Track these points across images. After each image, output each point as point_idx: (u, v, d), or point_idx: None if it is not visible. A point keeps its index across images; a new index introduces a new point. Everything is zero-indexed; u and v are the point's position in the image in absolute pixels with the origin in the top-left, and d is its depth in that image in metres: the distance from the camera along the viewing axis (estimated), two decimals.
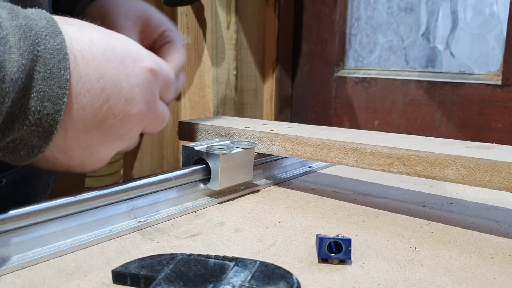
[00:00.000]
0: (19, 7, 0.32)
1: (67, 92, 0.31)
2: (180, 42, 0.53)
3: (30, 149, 0.32)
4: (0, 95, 0.28)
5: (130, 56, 0.36)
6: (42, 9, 0.33)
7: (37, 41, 0.30)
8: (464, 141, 0.45)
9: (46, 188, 0.52)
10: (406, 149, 0.41)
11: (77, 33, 0.34)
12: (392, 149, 0.42)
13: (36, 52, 0.30)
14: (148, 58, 0.38)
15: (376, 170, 0.43)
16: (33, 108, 0.30)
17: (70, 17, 0.36)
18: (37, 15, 0.32)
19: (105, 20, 0.49)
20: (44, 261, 0.32)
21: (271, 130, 0.50)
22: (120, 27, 0.48)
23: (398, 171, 0.42)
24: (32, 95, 0.30)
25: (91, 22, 0.37)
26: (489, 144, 0.43)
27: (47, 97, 0.31)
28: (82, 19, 0.45)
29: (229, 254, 0.34)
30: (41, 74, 0.30)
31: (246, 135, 0.51)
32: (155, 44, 0.52)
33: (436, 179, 0.40)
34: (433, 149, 0.40)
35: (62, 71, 0.31)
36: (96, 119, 0.34)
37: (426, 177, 0.40)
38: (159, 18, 0.53)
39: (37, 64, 0.30)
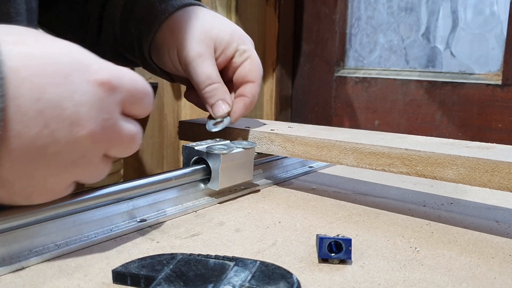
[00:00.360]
0: None
1: None
2: (255, 55, 0.53)
3: None
4: None
5: (77, 69, 0.31)
6: (17, 7, 0.31)
7: None
8: (464, 141, 0.45)
9: None
10: (406, 149, 0.41)
11: (11, 47, 0.29)
12: (392, 149, 0.42)
13: None
14: (102, 70, 0.32)
15: (376, 170, 0.43)
16: None
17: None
18: None
19: (178, 47, 0.49)
20: (45, 261, 0.32)
21: (271, 130, 0.50)
22: (196, 57, 0.49)
23: (398, 171, 0.42)
24: None
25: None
26: (489, 144, 0.43)
27: None
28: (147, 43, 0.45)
29: (229, 254, 0.34)
30: None
31: (248, 135, 0.51)
32: (233, 62, 0.52)
33: (437, 179, 0.40)
34: (433, 149, 0.40)
35: None
36: (35, 146, 0.29)
37: (426, 177, 0.40)
38: (228, 31, 0.52)
39: None
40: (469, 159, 0.38)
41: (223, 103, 0.50)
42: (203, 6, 0.54)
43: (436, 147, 0.41)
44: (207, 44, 0.50)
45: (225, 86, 0.51)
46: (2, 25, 0.31)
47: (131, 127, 0.34)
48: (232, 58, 0.52)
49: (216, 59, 0.51)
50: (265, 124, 0.55)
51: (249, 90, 0.52)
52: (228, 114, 0.51)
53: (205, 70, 0.50)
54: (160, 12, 0.51)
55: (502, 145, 0.43)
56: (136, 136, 0.35)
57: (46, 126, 0.29)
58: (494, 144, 0.43)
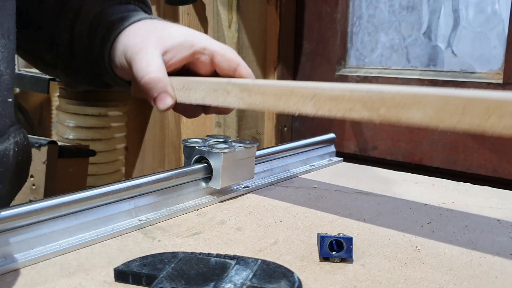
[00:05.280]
0: None
1: None
2: (220, 46, 0.51)
3: None
4: None
5: None
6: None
7: None
8: (435, 88, 0.40)
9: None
10: (367, 91, 0.37)
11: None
12: (353, 91, 0.37)
13: None
14: None
15: (336, 116, 0.38)
16: None
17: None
18: None
19: (125, 49, 0.49)
20: (46, 260, 0.33)
21: (228, 80, 0.45)
22: (138, 50, 0.47)
23: (360, 115, 0.37)
24: None
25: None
26: (463, 89, 0.38)
27: None
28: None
29: (231, 252, 0.34)
30: None
31: (202, 87, 0.46)
32: (200, 62, 0.51)
33: (402, 123, 0.35)
34: (397, 89, 0.36)
35: None
36: None
37: (390, 121, 0.36)
38: (180, 33, 0.50)
39: None
40: (437, 97, 0.33)
41: (166, 96, 0.47)
42: (159, 19, 0.53)
43: (401, 88, 0.37)
44: (152, 41, 0.48)
45: (168, 78, 0.47)
46: None
47: None
48: (194, 57, 0.50)
49: (169, 60, 0.49)
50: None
51: (243, 73, 0.51)
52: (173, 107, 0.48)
53: (145, 60, 0.47)
54: (117, 27, 0.51)
55: (478, 89, 0.38)
56: None
57: None
58: (469, 89, 0.38)
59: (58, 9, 0.55)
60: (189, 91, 0.47)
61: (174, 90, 0.47)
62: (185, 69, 0.52)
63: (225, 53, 0.51)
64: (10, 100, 0.45)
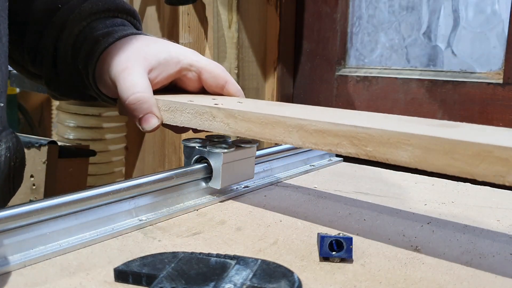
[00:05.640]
0: None
1: None
2: (207, 62, 0.50)
3: None
4: None
5: None
6: None
7: None
8: (427, 119, 0.39)
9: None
10: (355, 126, 0.35)
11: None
12: (339, 125, 0.36)
13: None
14: None
15: (323, 150, 0.38)
16: None
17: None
18: None
19: (109, 68, 0.47)
20: (47, 259, 0.33)
21: (215, 104, 0.44)
22: (122, 70, 0.46)
23: (346, 151, 0.36)
24: None
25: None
26: (455, 122, 0.37)
27: None
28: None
29: (231, 252, 0.34)
30: None
31: (188, 110, 0.45)
32: (187, 79, 0.50)
33: (389, 162, 0.34)
34: (385, 126, 0.35)
35: None
36: None
37: (377, 159, 0.35)
38: (166, 50, 0.49)
39: None
40: (425, 138, 0.32)
41: (152, 117, 0.46)
42: (145, 35, 0.52)
43: (390, 125, 0.35)
44: (137, 60, 0.47)
45: (153, 99, 0.46)
46: None
47: None
48: (180, 74, 0.49)
49: (155, 78, 0.48)
50: (214, 99, 0.48)
51: (231, 91, 0.50)
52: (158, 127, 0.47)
53: (130, 80, 0.46)
54: (102, 44, 0.49)
55: (471, 124, 0.37)
56: None
57: None
58: (461, 123, 0.37)
59: (46, 19, 0.53)
60: (175, 113, 0.46)
61: (159, 111, 0.46)
62: (172, 85, 0.51)
63: (213, 70, 0.50)
64: (1, 105, 0.45)
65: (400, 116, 0.41)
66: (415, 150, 0.32)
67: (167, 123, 0.47)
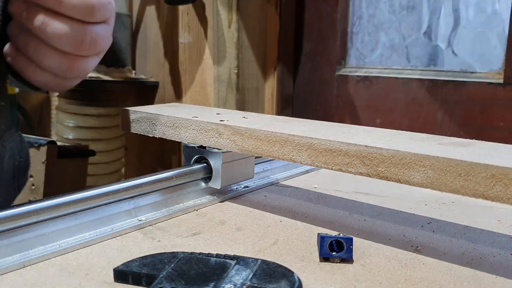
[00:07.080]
0: None
1: None
2: None
3: None
4: None
5: None
6: None
7: None
8: (440, 136, 0.39)
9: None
10: (366, 145, 0.35)
11: None
12: (350, 145, 0.36)
13: None
14: None
15: (333, 169, 0.37)
16: None
17: None
18: None
19: None
20: (46, 260, 0.32)
21: (220, 120, 0.44)
22: None
23: (357, 171, 0.36)
24: None
25: None
26: (468, 140, 0.37)
27: None
28: None
29: (231, 252, 0.34)
30: None
31: (193, 126, 0.45)
32: None
33: (401, 183, 0.34)
34: (398, 146, 0.35)
35: None
36: None
37: (389, 180, 0.35)
38: None
39: None
40: (439, 159, 0.32)
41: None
42: None
43: (402, 145, 0.35)
44: None
45: None
46: None
47: None
48: None
49: None
50: (218, 114, 0.48)
51: None
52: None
53: None
54: None
55: (483, 142, 0.37)
56: None
57: None
58: (474, 140, 0.37)
59: None
60: (180, 129, 0.46)
61: None
62: None
63: None
64: (3, 103, 0.44)
65: (412, 133, 0.41)
66: (428, 171, 0.32)
67: (172, 139, 0.47)
